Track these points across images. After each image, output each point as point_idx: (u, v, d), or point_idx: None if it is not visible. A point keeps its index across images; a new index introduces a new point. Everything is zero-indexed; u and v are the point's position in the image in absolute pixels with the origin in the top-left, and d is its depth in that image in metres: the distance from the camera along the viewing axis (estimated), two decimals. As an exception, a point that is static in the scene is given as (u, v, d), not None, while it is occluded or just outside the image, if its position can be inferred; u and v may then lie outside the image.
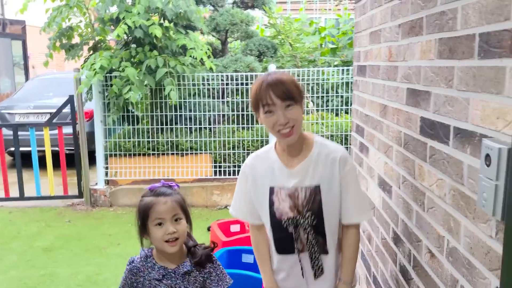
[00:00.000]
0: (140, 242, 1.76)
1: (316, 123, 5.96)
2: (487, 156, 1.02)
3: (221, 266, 1.82)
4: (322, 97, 6.29)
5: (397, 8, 1.85)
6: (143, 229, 1.72)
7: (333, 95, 6.32)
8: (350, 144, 5.79)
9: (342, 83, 6.34)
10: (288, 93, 1.62)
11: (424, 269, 1.53)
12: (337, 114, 6.23)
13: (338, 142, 5.83)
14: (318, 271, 1.77)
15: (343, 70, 6.17)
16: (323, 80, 6.15)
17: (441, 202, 1.39)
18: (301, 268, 1.77)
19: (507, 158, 0.95)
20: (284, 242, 1.76)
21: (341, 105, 6.29)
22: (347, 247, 1.78)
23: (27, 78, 13.24)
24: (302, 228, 1.72)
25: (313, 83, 6.15)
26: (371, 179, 2.33)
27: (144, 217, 1.70)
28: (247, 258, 3.54)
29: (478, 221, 1.14)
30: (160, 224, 1.68)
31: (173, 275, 1.72)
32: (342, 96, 6.34)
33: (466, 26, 1.20)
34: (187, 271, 1.72)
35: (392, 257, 1.94)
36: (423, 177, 1.55)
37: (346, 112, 6.22)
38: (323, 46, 8.69)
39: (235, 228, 4.22)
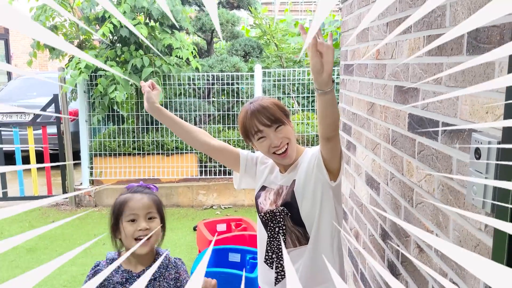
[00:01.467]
0: (114, 242, 1.69)
1: (302, 123, 5.99)
2: (477, 150, 1.04)
3: (186, 270, 1.77)
4: (308, 97, 6.33)
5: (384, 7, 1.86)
6: (116, 227, 1.66)
7: (319, 96, 6.35)
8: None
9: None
10: (273, 117, 1.68)
11: (413, 264, 1.55)
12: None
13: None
14: (280, 273, 1.77)
15: (328, 70, 6.20)
16: (308, 81, 6.18)
17: (429, 197, 1.41)
18: (272, 266, 1.79)
19: (496, 151, 0.97)
20: (263, 239, 1.81)
21: (327, 105, 6.31)
22: None
23: (9, 78, 13.04)
24: (277, 220, 1.74)
25: (298, 83, 6.18)
26: (358, 177, 2.35)
27: (118, 213, 1.64)
28: (233, 257, 3.54)
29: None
30: (133, 220, 1.63)
31: (136, 279, 1.67)
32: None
33: (455, 23, 1.22)
34: (152, 278, 1.68)
35: (380, 253, 1.96)
36: (411, 173, 1.57)
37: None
38: (308, 47, 8.72)
39: (221, 227, 4.22)
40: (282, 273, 1.76)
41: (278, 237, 1.76)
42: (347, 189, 2.62)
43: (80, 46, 5.96)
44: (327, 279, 1.74)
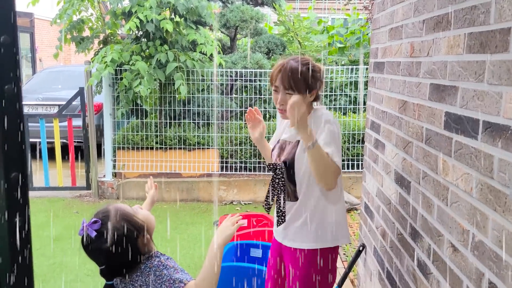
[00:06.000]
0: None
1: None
2: (523, 148, 1.02)
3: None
4: (330, 95, 6.30)
5: (421, 4, 1.85)
6: (141, 232, 1.65)
7: (340, 94, 6.33)
8: (357, 143, 5.80)
9: (350, 82, 6.35)
10: (292, 84, 1.92)
11: (445, 263, 1.53)
12: (344, 113, 6.23)
13: (345, 141, 5.84)
14: (280, 218, 2.06)
15: (351, 69, 6.17)
16: (330, 79, 6.15)
17: (466, 196, 1.39)
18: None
19: (545, 149, 0.96)
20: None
21: (348, 104, 6.30)
22: None
23: (34, 71, 13.27)
24: (277, 172, 2.03)
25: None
26: (387, 175, 2.34)
27: (134, 225, 1.63)
28: (255, 253, 3.56)
29: (508, 214, 1.15)
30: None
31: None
32: (349, 96, 6.35)
33: (501, 19, 1.21)
34: None
35: (409, 252, 1.94)
36: (446, 172, 1.55)
37: (354, 112, 6.22)
38: (331, 45, 8.69)
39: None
40: (282, 217, 2.06)
41: (279, 185, 2.03)
42: (374, 187, 2.61)
43: (106, 40, 6.03)
44: (311, 229, 2.03)
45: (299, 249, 2.06)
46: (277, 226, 2.11)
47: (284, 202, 2.06)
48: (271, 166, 2.06)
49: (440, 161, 1.61)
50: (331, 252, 2.09)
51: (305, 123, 1.74)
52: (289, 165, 2.00)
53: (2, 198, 0.73)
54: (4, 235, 0.73)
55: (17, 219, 0.75)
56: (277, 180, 2.04)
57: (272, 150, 2.17)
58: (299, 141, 1.99)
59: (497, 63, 1.22)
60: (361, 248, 2.75)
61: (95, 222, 1.60)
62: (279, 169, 2.02)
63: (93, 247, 1.60)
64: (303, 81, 1.93)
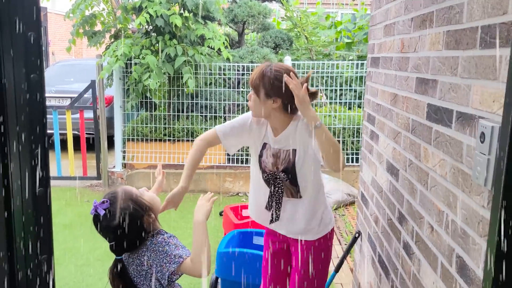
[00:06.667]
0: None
1: (329, 115, 6.08)
2: (482, 134, 1.15)
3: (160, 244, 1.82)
4: (336, 90, 6.41)
5: (410, 3, 1.97)
6: (146, 212, 1.82)
7: (347, 89, 6.43)
8: (361, 137, 5.91)
9: (356, 77, 6.45)
10: (257, 89, 2.05)
11: (425, 243, 1.67)
12: (350, 108, 6.34)
13: (350, 135, 5.96)
14: (274, 218, 2.21)
15: (357, 64, 6.27)
16: (337, 74, 6.26)
17: (442, 180, 1.52)
18: (267, 203, 2.23)
19: (498, 135, 1.09)
20: (265, 183, 2.21)
21: (354, 99, 6.40)
22: None
23: (47, 64, 13.50)
24: (277, 181, 2.16)
25: (327, 76, 6.26)
26: (380, 165, 2.47)
27: (140, 205, 1.81)
28: (257, 240, 3.70)
29: (473, 194, 1.28)
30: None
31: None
32: (355, 90, 6.45)
33: (471, 19, 1.33)
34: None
35: (396, 236, 2.08)
36: (427, 159, 1.68)
37: (359, 106, 6.33)
38: (338, 40, 8.78)
39: (246, 212, 4.38)
40: (277, 217, 2.22)
41: (278, 193, 2.18)
42: (369, 177, 2.74)
43: (117, 34, 6.19)
44: (316, 220, 2.19)
45: (315, 240, 2.19)
46: (269, 223, 2.25)
47: (281, 207, 2.19)
48: (271, 175, 2.16)
49: (422, 149, 1.75)
50: (333, 232, 2.31)
51: (308, 103, 1.94)
52: (291, 172, 2.12)
53: (29, 171, 0.89)
54: (29, 202, 0.89)
55: (40, 190, 0.91)
56: (276, 189, 2.17)
57: (261, 156, 2.19)
58: (295, 149, 2.10)
59: (468, 58, 1.35)
60: (356, 235, 2.89)
61: (104, 202, 1.76)
62: (279, 178, 2.15)
63: (102, 224, 1.76)
64: (269, 87, 2.01)
